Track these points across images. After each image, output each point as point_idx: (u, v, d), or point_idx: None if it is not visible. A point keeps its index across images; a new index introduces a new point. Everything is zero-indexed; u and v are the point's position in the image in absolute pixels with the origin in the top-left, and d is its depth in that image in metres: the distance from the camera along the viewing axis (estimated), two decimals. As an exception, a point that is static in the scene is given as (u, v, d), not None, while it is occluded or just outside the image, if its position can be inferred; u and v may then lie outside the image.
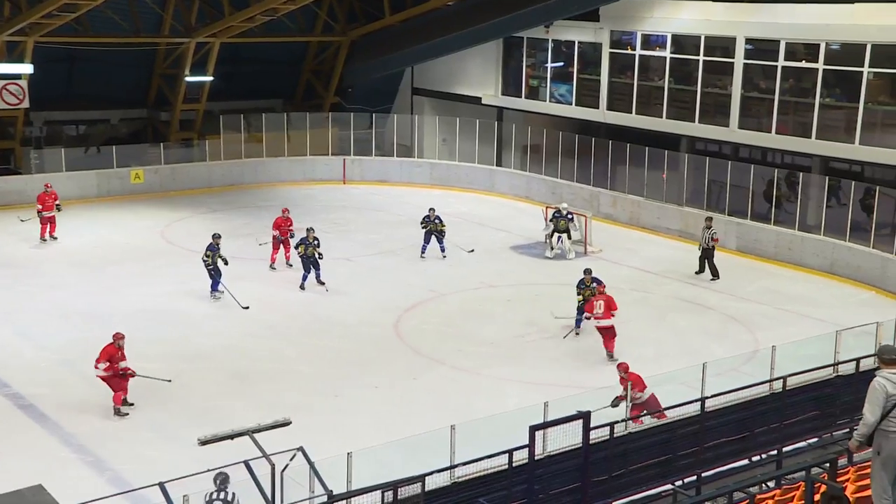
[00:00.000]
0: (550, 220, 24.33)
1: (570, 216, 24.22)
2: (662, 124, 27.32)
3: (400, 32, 32.21)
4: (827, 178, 24.00)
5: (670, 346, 17.94)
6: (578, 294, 18.31)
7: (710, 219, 22.74)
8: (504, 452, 10.47)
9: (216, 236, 20.32)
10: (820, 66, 23.40)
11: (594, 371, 16.58)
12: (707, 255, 22.59)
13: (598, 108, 29.05)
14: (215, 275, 19.95)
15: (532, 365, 17.05)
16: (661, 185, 26.94)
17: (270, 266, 22.36)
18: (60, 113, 31.05)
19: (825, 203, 23.60)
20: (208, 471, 10.13)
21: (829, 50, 23.40)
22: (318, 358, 17.19)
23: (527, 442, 10.23)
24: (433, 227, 23.40)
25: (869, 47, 22.28)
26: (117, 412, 14.48)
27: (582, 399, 11.96)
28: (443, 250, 23.38)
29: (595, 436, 10.80)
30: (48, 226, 24.17)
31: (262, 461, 9.90)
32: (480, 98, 32.62)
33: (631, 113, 28.17)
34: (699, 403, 12.17)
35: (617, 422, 11.42)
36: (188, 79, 30.59)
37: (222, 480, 10.10)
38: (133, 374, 14.63)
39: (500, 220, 27.75)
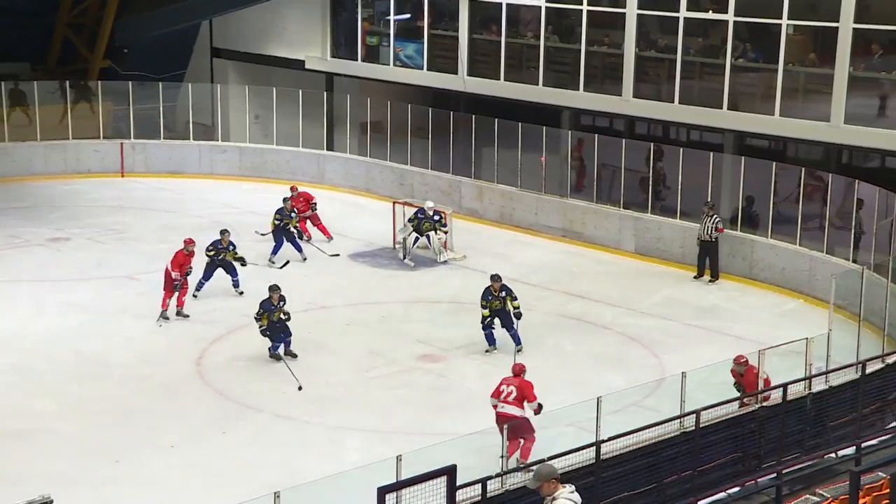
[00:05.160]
0: (409, 222, 24.41)
1: (437, 216, 24.45)
2: (539, 93, 27.81)
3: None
4: (742, 158, 24.80)
5: (554, 377, 18.21)
6: (484, 308, 18.99)
7: (711, 206, 23.27)
8: (344, 525, 10.42)
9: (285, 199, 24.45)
10: (730, 17, 24.28)
11: (456, 413, 16.69)
12: (708, 251, 23.24)
13: (456, 73, 29.38)
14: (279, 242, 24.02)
15: (378, 408, 17.04)
16: (539, 171, 27.41)
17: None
18: None
19: (741, 190, 24.37)
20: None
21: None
22: (89, 412, 16.75)
23: (374, 509, 10.19)
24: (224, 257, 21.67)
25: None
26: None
27: (444, 450, 12.02)
28: (236, 285, 21.94)
29: (463, 496, 10.85)
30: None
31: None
32: (304, 61, 32.52)
33: (499, 79, 28.62)
34: (594, 449, 12.42)
35: (490, 477, 11.51)
36: None
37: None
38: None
39: (331, 220, 27.61)
